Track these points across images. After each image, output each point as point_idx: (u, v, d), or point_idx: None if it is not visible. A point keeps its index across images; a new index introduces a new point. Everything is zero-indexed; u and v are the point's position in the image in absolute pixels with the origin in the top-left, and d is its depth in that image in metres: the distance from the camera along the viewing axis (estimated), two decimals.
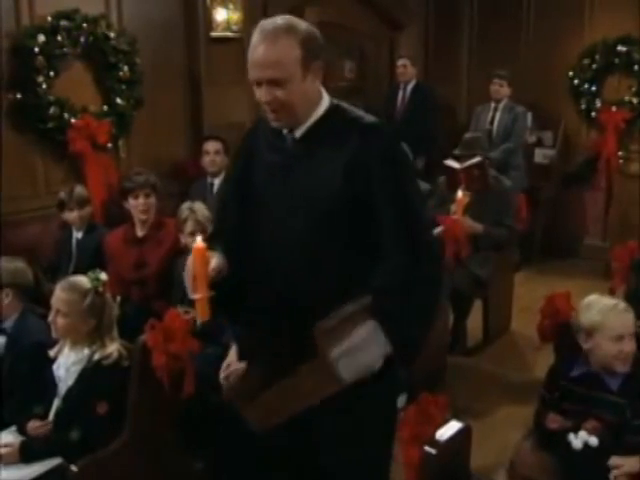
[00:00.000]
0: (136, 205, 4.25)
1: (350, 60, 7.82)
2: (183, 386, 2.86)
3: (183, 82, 5.83)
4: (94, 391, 2.87)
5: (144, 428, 2.90)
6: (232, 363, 2.32)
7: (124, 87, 5.25)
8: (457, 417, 3.86)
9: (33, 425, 2.94)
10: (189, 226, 3.96)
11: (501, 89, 6.80)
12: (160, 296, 4.05)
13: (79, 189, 4.62)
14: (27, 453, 2.84)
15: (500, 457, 3.52)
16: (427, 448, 2.72)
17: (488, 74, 6.90)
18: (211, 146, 5.38)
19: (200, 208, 4.05)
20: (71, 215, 4.55)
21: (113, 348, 2.92)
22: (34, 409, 3.02)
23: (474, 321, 5.18)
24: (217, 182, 5.39)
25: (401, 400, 4.08)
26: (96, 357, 2.91)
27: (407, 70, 7.15)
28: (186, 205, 4.11)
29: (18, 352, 3.18)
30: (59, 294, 2.93)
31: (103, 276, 2.98)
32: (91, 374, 2.90)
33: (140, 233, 4.31)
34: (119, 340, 3.00)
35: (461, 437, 2.85)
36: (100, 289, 2.95)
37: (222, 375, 2.35)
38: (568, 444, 2.78)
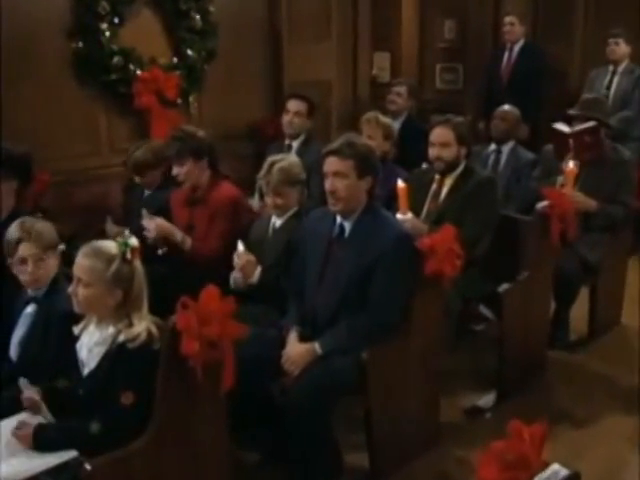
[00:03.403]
0: (173, 173, 3.94)
1: (450, 18, 7.47)
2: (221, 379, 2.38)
3: (262, 35, 5.59)
4: (118, 378, 2.45)
5: (175, 424, 2.44)
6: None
7: (196, 38, 5.03)
8: (556, 423, 3.49)
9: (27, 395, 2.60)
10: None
11: (617, 49, 6.13)
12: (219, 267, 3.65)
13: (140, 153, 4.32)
14: (41, 439, 2.47)
15: (604, 475, 3.18)
16: None
17: (606, 34, 6.23)
18: (293, 105, 4.94)
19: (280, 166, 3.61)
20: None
21: (141, 328, 2.47)
22: (58, 382, 2.68)
23: (579, 311, 4.60)
24: (295, 145, 4.97)
25: (488, 399, 3.84)
26: (121, 338, 2.47)
27: (514, 29, 6.55)
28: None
29: (47, 321, 2.83)
30: (80, 260, 2.53)
31: (133, 241, 2.54)
32: (115, 358, 2.47)
33: (195, 194, 4.01)
34: (152, 318, 2.55)
35: None
36: (128, 256, 2.51)
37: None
38: None
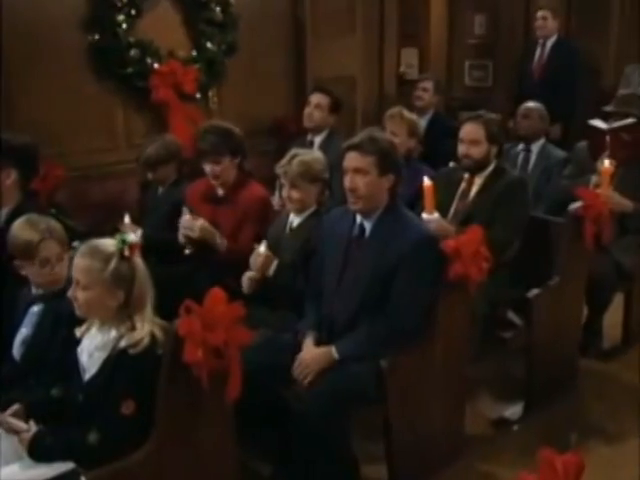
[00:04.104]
0: (205, 170, 3.83)
1: (480, 14, 7.41)
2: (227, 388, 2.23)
3: (285, 28, 5.47)
4: (119, 386, 2.31)
5: (178, 435, 2.29)
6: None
7: (216, 30, 4.94)
8: (585, 438, 3.40)
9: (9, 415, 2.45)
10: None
11: None
12: (231, 268, 3.55)
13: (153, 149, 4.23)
14: (36, 448, 2.35)
15: None
16: None
17: None
18: (314, 98, 4.88)
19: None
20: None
21: (144, 332, 2.33)
22: (51, 391, 2.55)
23: (613, 318, 4.44)
24: (317, 141, 4.87)
25: (515, 410, 3.69)
26: (123, 343, 2.33)
27: (547, 23, 6.39)
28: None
29: (55, 321, 2.70)
30: (77, 261, 2.39)
31: (131, 237, 2.40)
32: (115, 365, 2.33)
33: (220, 192, 3.89)
34: (157, 320, 2.41)
35: None
36: (126, 253, 2.37)
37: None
38: None
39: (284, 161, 3.44)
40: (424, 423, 3.11)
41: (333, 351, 2.88)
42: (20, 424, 2.43)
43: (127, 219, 4.00)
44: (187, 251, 3.74)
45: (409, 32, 7.24)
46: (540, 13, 6.41)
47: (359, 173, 2.93)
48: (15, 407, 2.49)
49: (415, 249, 2.88)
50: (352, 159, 2.95)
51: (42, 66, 4.41)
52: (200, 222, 3.65)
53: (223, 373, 2.24)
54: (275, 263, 3.33)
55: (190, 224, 3.65)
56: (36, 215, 2.89)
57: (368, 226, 3.01)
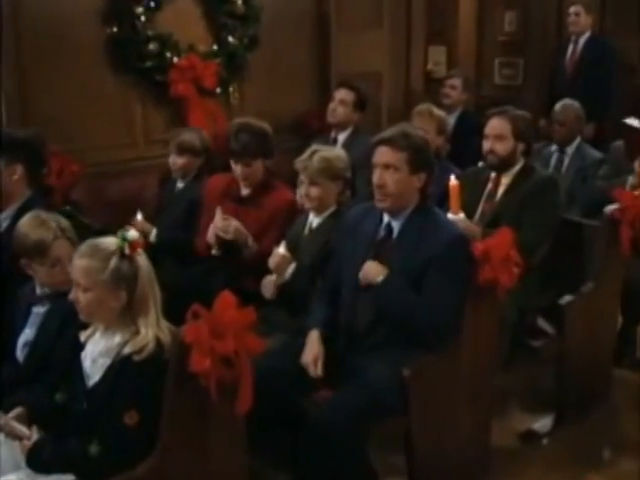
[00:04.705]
0: (235, 170, 3.69)
1: (511, 10, 7.26)
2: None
3: (309, 21, 5.36)
4: (122, 395, 2.17)
5: (185, 448, 2.15)
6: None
7: (237, 24, 4.87)
8: (619, 453, 3.31)
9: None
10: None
11: None
12: (252, 271, 3.46)
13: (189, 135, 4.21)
14: (35, 458, 2.24)
15: None
16: None
17: None
18: (338, 93, 4.79)
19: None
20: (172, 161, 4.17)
21: (149, 337, 2.19)
22: (55, 396, 2.43)
23: None
24: (341, 138, 4.76)
25: (545, 422, 3.58)
26: (127, 350, 2.19)
27: (580, 19, 6.21)
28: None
29: (62, 321, 2.58)
30: (76, 262, 2.27)
31: (132, 234, 2.26)
32: (119, 372, 2.20)
33: (244, 191, 3.75)
34: (164, 323, 2.27)
35: None
36: (127, 251, 2.24)
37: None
38: None
39: (304, 156, 3.31)
40: (448, 435, 2.98)
41: (386, 275, 2.76)
42: (23, 430, 2.32)
43: (139, 216, 3.94)
44: (214, 252, 3.60)
45: (437, 29, 7.15)
46: (573, 8, 6.24)
47: (389, 169, 2.79)
48: (18, 410, 2.39)
49: (448, 248, 2.76)
50: (382, 154, 2.82)
51: (58, 60, 4.34)
52: (235, 223, 3.51)
53: (233, 383, 2.09)
54: (292, 265, 3.21)
55: (224, 225, 3.51)
56: (43, 212, 2.79)
57: (396, 226, 2.87)
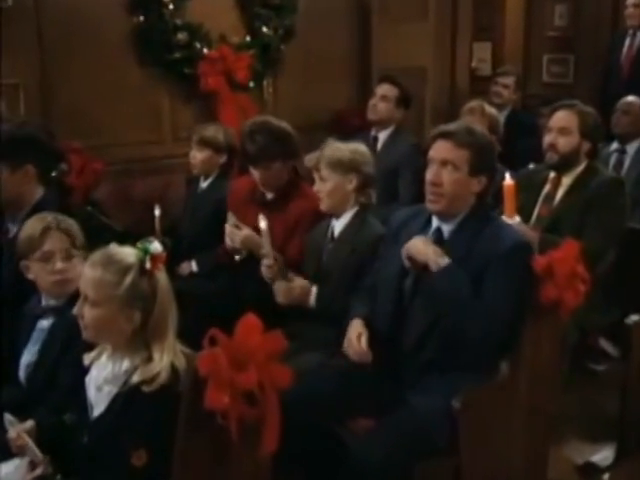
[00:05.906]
0: (253, 174, 3.47)
1: (561, 3, 6.96)
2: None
3: (349, 12, 5.30)
4: (129, 431, 1.91)
5: None
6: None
7: (272, 14, 4.79)
8: None
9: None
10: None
11: None
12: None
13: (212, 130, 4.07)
14: None
15: None
16: None
17: None
18: (380, 89, 4.60)
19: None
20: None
21: (163, 364, 1.92)
22: (64, 417, 2.21)
23: None
24: (382, 137, 4.53)
25: (606, 455, 3.23)
26: (135, 378, 1.92)
27: (639, 11, 5.95)
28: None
29: (68, 335, 2.37)
30: (87, 271, 2.02)
31: (155, 246, 2.00)
32: (125, 404, 1.94)
33: (269, 195, 3.52)
34: (180, 348, 2.01)
35: None
36: (147, 265, 1.98)
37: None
38: None
39: (315, 153, 3.10)
40: (501, 470, 2.70)
41: (446, 258, 2.48)
42: (37, 453, 2.08)
43: (157, 211, 3.81)
44: (237, 258, 3.40)
45: (482, 24, 6.94)
46: (631, 0, 5.94)
47: (447, 166, 2.52)
48: (30, 423, 2.16)
49: (509, 255, 2.49)
50: (441, 148, 2.55)
51: (82, 51, 4.29)
52: (244, 232, 3.29)
53: (257, 422, 1.80)
54: (314, 291, 2.94)
55: (230, 233, 3.33)
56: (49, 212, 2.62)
57: (447, 231, 2.60)
